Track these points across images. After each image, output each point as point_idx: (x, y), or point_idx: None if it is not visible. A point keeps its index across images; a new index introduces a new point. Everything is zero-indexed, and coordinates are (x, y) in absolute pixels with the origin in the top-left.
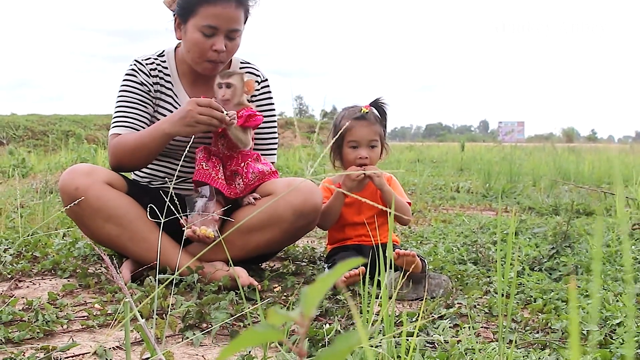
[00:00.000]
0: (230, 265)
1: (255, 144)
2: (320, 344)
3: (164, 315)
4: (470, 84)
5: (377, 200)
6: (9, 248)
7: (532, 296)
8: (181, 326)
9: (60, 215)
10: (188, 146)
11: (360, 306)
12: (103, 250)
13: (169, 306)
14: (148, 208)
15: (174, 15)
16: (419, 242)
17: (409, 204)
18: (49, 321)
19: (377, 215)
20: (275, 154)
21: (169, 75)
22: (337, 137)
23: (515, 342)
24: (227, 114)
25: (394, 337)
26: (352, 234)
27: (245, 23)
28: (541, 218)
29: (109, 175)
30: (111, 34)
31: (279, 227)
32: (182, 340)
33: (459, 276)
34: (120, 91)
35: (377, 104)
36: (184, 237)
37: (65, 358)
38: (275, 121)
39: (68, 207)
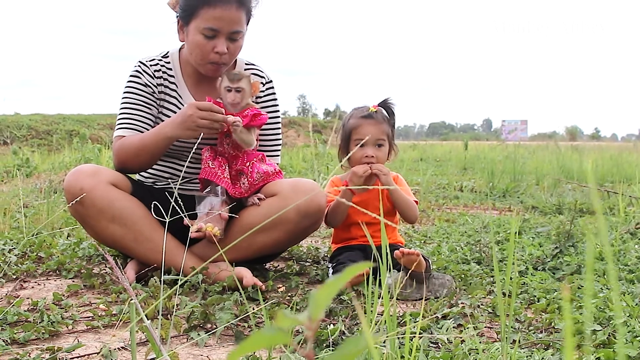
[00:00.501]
0: (233, 266)
1: (259, 146)
2: (324, 345)
3: (168, 315)
4: (474, 82)
5: (384, 200)
6: (14, 248)
7: (535, 296)
8: (186, 327)
9: (64, 215)
10: (194, 147)
11: (364, 306)
12: (107, 250)
13: (174, 307)
14: (152, 206)
15: (177, 17)
16: (422, 241)
17: (416, 202)
18: (54, 322)
19: (384, 215)
20: (279, 155)
21: (173, 76)
22: (344, 135)
23: (519, 342)
24: (233, 122)
25: (398, 337)
26: (357, 234)
27: (247, 24)
28: (545, 217)
29: (113, 176)
30: (115, 33)
31: (283, 227)
32: (187, 341)
33: (463, 276)
34: (124, 93)
35: (385, 104)
36: (189, 238)
37: (71, 359)
38: (279, 122)
39: (71, 206)
